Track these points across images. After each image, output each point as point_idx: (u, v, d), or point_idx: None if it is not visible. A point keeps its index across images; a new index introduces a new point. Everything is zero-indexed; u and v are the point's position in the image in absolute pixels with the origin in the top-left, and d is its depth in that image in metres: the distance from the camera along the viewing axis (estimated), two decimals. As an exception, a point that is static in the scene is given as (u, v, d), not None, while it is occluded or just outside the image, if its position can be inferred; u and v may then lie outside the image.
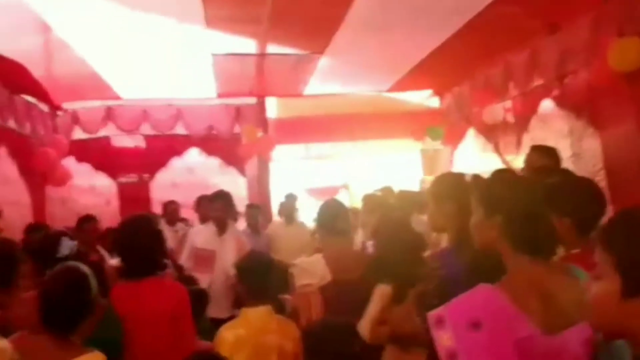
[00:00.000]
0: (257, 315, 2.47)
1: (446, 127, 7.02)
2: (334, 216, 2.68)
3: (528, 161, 2.77)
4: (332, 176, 11.71)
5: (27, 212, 5.58)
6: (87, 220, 4.73)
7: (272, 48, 5.02)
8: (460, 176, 2.05)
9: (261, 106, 6.88)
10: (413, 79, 6.24)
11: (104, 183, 7.13)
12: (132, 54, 4.82)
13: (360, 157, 10.27)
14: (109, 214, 6.66)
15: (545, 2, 3.91)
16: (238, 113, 6.82)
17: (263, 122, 6.88)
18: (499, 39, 4.69)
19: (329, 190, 12.44)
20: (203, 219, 5.05)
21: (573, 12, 3.84)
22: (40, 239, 2.49)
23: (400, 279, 1.87)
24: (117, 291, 2.42)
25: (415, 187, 7.97)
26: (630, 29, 3.34)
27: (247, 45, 4.90)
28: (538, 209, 1.44)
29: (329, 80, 6.22)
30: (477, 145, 6.21)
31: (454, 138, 6.88)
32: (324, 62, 5.40)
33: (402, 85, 6.58)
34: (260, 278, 2.53)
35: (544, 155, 2.72)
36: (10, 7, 3.35)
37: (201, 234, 4.26)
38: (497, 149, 5.52)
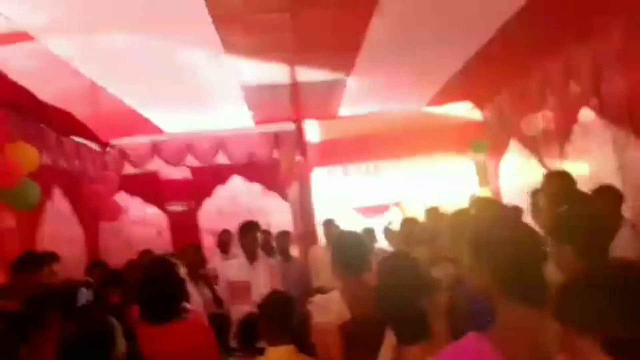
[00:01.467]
0: (278, 355, 2.46)
1: (489, 139, 6.78)
2: (351, 254, 2.60)
3: (544, 187, 2.62)
4: (381, 193, 11.55)
5: (81, 248, 5.88)
6: (145, 253, 5.05)
7: (300, 71, 5.03)
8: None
9: (299, 131, 6.94)
10: (449, 92, 6.10)
11: (154, 214, 7.42)
12: (164, 88, 4.98)
13: (408, 173, 10.09)
14: (161, 244, 6.95)
15: (574, 8, 3.71)
16: (276, 139, 6.92)
17: (302, 146, 6.93)
18: (531, 47, 4.50)
19: (379, 208, 12.30)
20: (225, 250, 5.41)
21: (606, 17, 3.62)
22: (59, 290, 2.60)
23: (402, 325, 1.79)
24: (142, 334, 2.47)
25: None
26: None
27: (277, 70, 4.94)
28: (526, 252, 1.36)
29: (362, 101, 6.19)
30: (521, 156, 5.95)
31: (497, 150, 6.64)
32: (353, 83, 5.38)
33: (439, 99, 6.44)
34: (281, 317, 2.52)
35: (559, 181, 2.57)
36: (39, 57, 3.58)
37: (233, 267, 4.34)
38: (540, 160, 5.27)
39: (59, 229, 5.45)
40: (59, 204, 5.48)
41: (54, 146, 5.25)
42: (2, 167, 4.10)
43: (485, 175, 7.55)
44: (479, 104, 6.89)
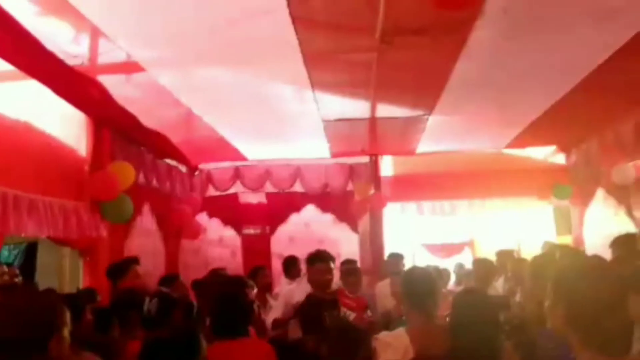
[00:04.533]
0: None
1: (574, 185, 6.50)
2: (423, 293, 2.55)
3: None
4: (454, 233, 11.27)
5: (161, 261, 6.24)
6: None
7: (382, 108, 5.14)
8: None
9: (374, 164, 7.03)
10: (533, 135, 5.94)
11: (230, 235, 7.73)
12: (251, 119, 5.27)
13: (484, 214, 9.80)
14: (234, 265, 7.23)
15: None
16: (351, 171, 7.05)
17: (376, 179, 7.00)
18: (625, 92, 4.34)
19: (450, 247, 11.99)
20: (293, 277, 5.47)
21: None
22: (126, 299, 2.86)
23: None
24: (212, 350, 2.60)
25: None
26: None
27: (358, 105, 5.08)
28: (612, 300, 1.33)
29: (442, 139, 6.18)
30: (608, 205, 5.65)
31: (583, 197, 6.33)
32: (434, 121, 5.40)
33: (521, 141, 6.29)
34: (346, 348, 2.57)
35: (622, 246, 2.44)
36: (147, 86, 3.96)
37: (298, 293, 4.45)
38: (629, 212, 4.98)
39: (145, 242, 5.82)
40: (146, 219, 5.88)
41: (149, 167, 5.70)
42: (103, 182, 4.54)
43: (566, 223, 7.21)
44: (564, 148, 6.65)
